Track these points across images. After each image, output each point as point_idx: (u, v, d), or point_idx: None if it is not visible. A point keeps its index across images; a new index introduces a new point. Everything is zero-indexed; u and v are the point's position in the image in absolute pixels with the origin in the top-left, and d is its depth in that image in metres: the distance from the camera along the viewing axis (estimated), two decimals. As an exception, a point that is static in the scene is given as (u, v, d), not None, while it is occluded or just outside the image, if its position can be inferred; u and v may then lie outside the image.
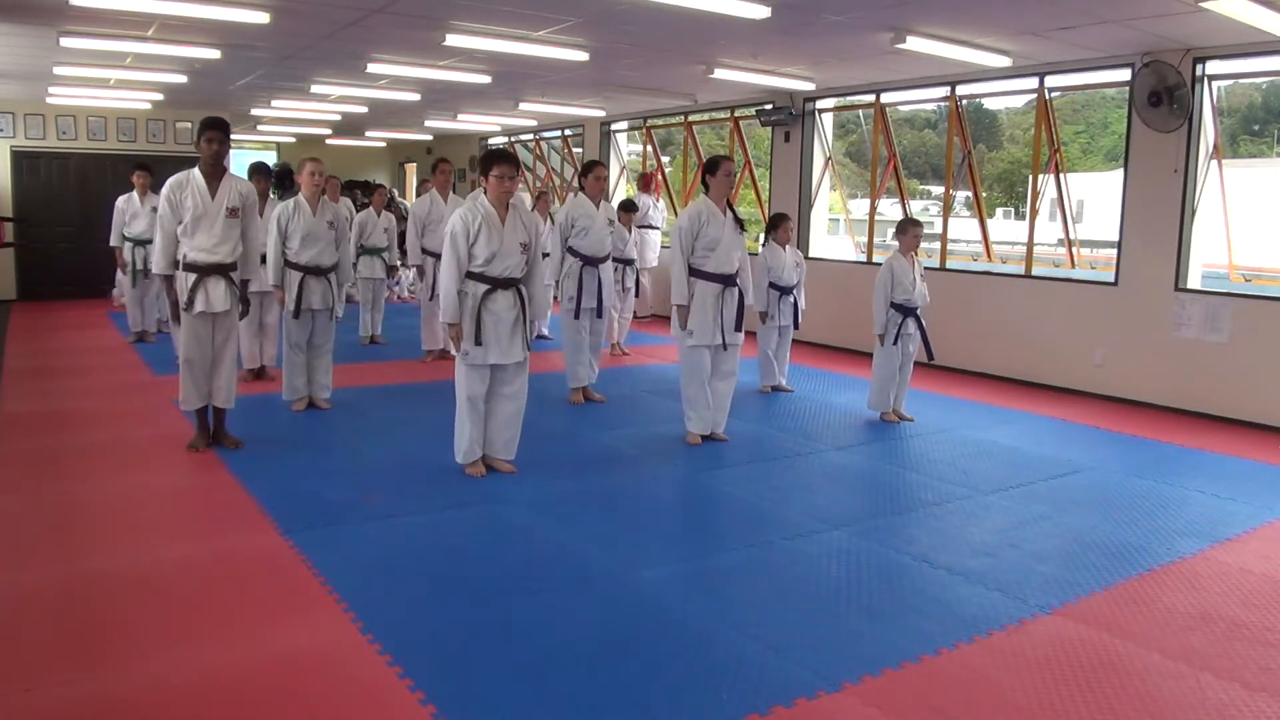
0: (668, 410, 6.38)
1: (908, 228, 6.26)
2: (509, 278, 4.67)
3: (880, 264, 6.39)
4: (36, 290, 12.09)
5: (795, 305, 7.14)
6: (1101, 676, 2.94)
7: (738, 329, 5.52)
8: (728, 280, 5.42)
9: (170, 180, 4.97)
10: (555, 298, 7.13)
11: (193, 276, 4.95)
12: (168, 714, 2.59)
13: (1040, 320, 7.80)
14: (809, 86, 9.22)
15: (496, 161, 4.61)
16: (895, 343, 6.19)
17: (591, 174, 6.73)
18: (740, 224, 5.47)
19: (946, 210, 9.40)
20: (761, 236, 7.43)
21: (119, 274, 8.95)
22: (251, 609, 3.27)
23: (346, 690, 2.73)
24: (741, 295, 5.54)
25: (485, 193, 4.66)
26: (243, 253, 5.10)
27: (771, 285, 7.04)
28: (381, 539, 3.98)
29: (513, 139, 15.51)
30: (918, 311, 6.20)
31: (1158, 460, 5.61)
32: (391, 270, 9.65)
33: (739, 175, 11.15)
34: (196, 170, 4.98)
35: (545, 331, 9.32)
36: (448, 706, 2.64)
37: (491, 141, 15.96)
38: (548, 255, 7.23)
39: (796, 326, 7.25)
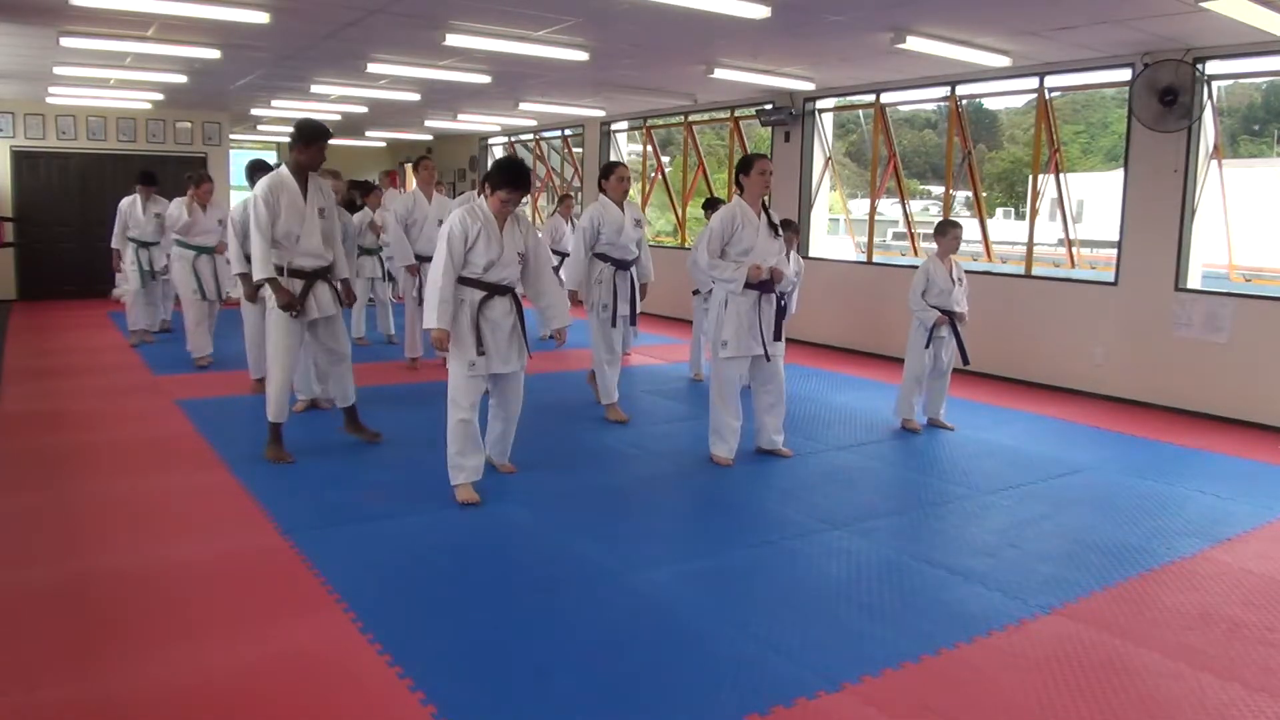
0: (668, 410, 6.38)
1: (946, 229, 5.97)
2: (506, 284, 4.51)
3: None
4: (36, 290, 12.10)
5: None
6: (1101, 676, 2.94)
7: (777, 337, 5.19)
8: (764, 286, 5.12)
9: (265, 182, 4.83)
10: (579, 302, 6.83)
11: (299, 283, 4.91)
12: (168, 714, 2.59)
13: (1040, 320, 7.80)
14: (809, 86, 9.22)
15: (510, 185, 4.36)
16: (928, 346, 5.98)
17: (614, 175, 6.33)
18: (776, 227, 5.16)
19: (947, 210, 9.38)
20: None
21: (118, 274, 8.95)
22: (252, 609, 3.27)
23: (346, 690, 2.73)
24: (780, 302, 5.22)
25: (485, 201, 4.49)
26: (335, 252, 5.08)
27: None
28: (381, 539, 3.98)
29: (513, 139, 15.51)
30: (954, 317, 5.95)
31: (1158, 460, 5.61)
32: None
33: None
34: (285, 170, 4.86)
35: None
36: (448, 706, 2.64)
37: (492, 142, 15.97)
38: (566, 256, 7.07)
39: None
